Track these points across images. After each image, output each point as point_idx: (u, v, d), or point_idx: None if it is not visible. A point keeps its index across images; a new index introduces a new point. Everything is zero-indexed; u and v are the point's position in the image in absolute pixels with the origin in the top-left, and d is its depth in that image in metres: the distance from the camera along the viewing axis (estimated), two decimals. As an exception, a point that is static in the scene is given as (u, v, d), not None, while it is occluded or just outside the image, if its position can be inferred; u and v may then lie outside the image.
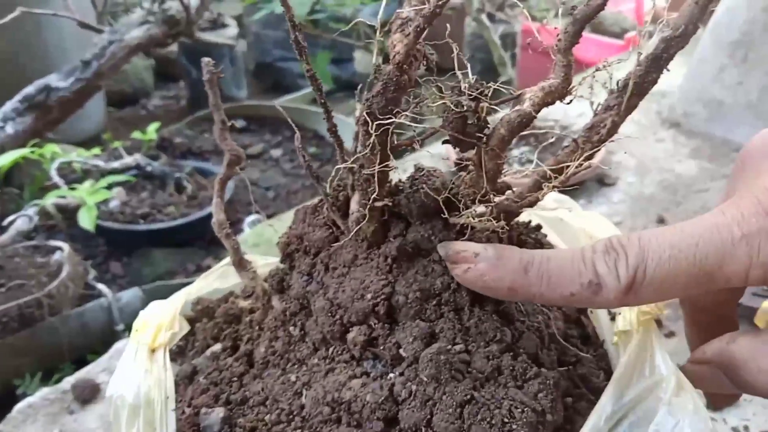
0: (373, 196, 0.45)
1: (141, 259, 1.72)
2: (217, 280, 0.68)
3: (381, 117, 0.44)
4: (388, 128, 0.44)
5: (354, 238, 0.50)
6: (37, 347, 1.36)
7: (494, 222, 0.44)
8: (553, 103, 0.45)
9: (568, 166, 0.48)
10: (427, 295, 0.47)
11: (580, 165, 0.48)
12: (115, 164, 1.81)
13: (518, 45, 2.41)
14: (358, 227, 0.49)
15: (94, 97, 2.17)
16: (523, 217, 0.59)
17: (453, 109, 0.43)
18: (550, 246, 0.59)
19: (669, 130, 1.81)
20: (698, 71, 1.78)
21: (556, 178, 0.46)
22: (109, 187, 1.63)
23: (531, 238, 0.54)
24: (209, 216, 0.61)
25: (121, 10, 2.61)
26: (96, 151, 1.90)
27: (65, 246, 1.50)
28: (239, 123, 2.38)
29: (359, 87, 0.51)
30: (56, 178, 1.71)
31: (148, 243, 1.71)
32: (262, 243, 1.47)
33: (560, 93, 0.44)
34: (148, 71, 3.28)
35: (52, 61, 2.38)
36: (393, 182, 0.50)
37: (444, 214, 0.47)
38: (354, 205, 0.49)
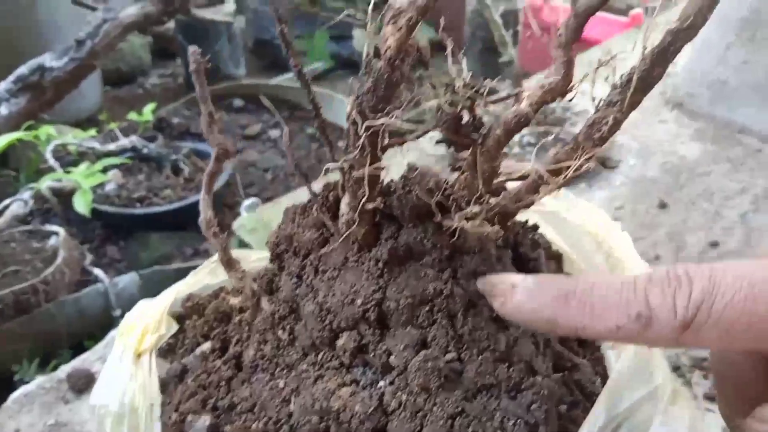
0: (363, 200, 0.43)
1: (138, 242, 1.71)
2: (207, 275, 0.67)
3: (372, 116, 0.42)
4: (379, 129, 0.42)
5: (344, 241, 0.48)
6: (34, 333, 1.36)
7: (487, 226, 0.42)
8: (553, 101, 0.43)
9: (568, 167, 0.46)
10: (419, 300, 0.46)
11: (581, 164, 0.47)
12: (111, 146, 1.79)
13: (521, 22, 2.37)
14: (349, 230, 0.47)
15: (90, 76, 2.14)
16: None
17: (446, 109, 0.41)
18: (548, 246, 0.57)
19: (672, 111, 1.78)
20: (703, 50, 1.74)
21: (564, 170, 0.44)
22: (105, 170, 1.61)
23: (528, 239, 0.52)
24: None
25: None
26: (92, 132, 1.87)
27: (61, 231, 1.49)
28: (237, 103, 2.35)
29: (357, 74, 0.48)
30: (51, 161, 1.69)
31: (145, 226, 1.70)
32: (260, 228, 1.45)
33: (560, 91, 0.42)
34: (144, 49, 3.23)
35: (46, 38, 2.34)
36: (384, 182, 0.48)
37: (437, 218, 0.46)
38: (344, 207, 0.48)
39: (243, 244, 1.49)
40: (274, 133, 2.21)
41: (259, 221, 1.48)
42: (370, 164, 0.43)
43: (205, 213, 0.56)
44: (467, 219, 0.44)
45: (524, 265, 0.52)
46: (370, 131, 0.41)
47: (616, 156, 1.57)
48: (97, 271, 1.48)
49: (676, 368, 0.94)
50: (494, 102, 0.43)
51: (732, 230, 1.28)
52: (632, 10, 2.48)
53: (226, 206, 1.82)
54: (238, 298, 0.62)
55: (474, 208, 0.46)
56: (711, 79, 1.73)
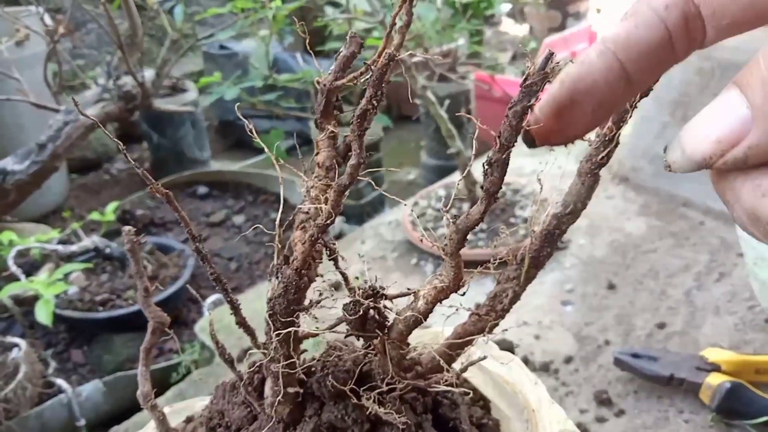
0: (278, 397, 0.46)
1: (101, 345, 1.71)
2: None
3: (283, 318, 0.46)
4: (290, 332, 0.45)
5: (270, 418, 0.51)
6: (-6, 453, 1.34)
7: (395, 415, 0.45)
8: (447, 298, 0.47)
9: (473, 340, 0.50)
10: (341, 478, 0.49)
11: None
12: (74, 248, 1.80)
13: (472, 99, 2.47)
14: (273, 411, 0.50)
15: (53, 170, 2.17)
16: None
17: (349, 314, 0.45)
18: (473, 392, 0.60)
19: (618, 185, 1.86)
20: (642, 128, 1.84)
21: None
22: (66, 277, 1.62)
23: (447, 399, 0.56)
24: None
25: (78, 83, 2.62)
26: (54, 233, 1.89)
27: (23, 343, 1.49)
28: (201, 190, 2.39)
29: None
30: (14, 268, 1.70)
31: (109, 330, 1.70)
32: (221, 329, 1.46)
33: (452, 290, 0.46)
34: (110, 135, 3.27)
35: (10, 138, 2.37)
36: (305, 361, 0.52)
37: (354, 399, 0.49)
38: (268, 390, 0.51)
39: (204, 347, 1.50)
40: (238, 219, 2.24)
41: (221, 322, 1.49)
42: (284, 360, 0.47)
43: (143, 386, 0.58)
44: (381, 402, 0.48)
45: (445, 425, 0.55)
46: (281, 335, 0.45)
47: (566, 235, 1.63)
48: (60, 381, 1.48)
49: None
50: (395, 297, 0.47)
51: (677, 310, 1.33)
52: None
53: (190, 301, 1.83)
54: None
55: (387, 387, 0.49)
56: (653, 154, 1.82)
